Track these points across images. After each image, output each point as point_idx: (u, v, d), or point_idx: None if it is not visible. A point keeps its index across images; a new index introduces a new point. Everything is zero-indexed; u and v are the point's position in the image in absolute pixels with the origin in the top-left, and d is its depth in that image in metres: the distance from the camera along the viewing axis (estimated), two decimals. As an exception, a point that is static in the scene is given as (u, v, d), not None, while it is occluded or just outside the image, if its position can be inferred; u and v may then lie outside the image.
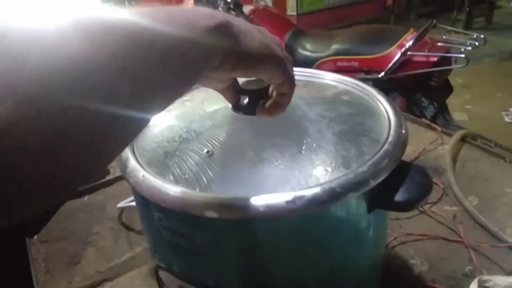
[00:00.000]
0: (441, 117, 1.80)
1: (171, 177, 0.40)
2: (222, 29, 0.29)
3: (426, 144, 0.87)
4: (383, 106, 0.48)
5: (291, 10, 4.06)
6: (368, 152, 0.40)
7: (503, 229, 0.64)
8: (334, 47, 1.84)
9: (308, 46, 1.96)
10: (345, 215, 0.39)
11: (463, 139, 0.87)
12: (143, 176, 0.39)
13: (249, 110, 0.47)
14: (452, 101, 1.93)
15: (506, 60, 3.61)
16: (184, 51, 0.26)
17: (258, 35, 0.33)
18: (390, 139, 0.41)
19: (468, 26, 4.05)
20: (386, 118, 0.46)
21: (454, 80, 1.88)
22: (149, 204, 0.39)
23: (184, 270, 0.43)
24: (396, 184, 0.40)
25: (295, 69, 0.61)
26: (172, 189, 0.37)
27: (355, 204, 0.39)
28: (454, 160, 0.81)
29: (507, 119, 2.68)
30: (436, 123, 0.96)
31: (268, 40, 0.34)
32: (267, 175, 0.38)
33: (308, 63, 1.86)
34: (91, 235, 0.71)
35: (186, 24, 0.26)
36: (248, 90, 0.47)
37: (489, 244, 0.61)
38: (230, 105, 0.49)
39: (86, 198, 0.79)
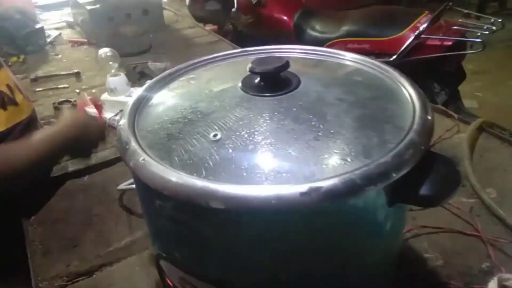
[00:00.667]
0: (453, 104, 1.75)
1: (174, 161, 0.36)
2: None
3: (442, 131, 0.83)
4: (407, 89, 0.44)
5: (300, -11, 3.94)
6: (391, 140, 0.36)
7: (523, 224, 0.60)
8: (345, 28, 1.78)
9: (318, 26, 1.90)
10: (364, 209, 0.36)
11: (480, 128, 0.83)
12: (144, 160, 0.36)
13: (260, 91, 0.43)
14: (462, 88, 1.86)
15: (518, 47, 3.51)
16: None
17: None
18: (415, 126, 0.38)
19: (481, 10, 3.92)
20: (410, 103, 0.42)
21: (465, 66, 1.81)
22: (149, 190, 0.36)
23: (187, 261, 0.40)
24: (421, 176, 0.36)
25: (309, 48, 0.57)
26: (175, 176, 0.34)
27: (375, 197, 0.36)
28: (472, 149, 0.77)
29: (518, 107, 2.62)
30: None
31: None
32: (280, 163, 0.35)
33: (317, 44, 1.79)
34: (90, 218, 0.68)
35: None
36: (259, 70, 0.43)
37: (509, 240, 0.57)
38: (239, 85, 0.45)
39: (86, 178, 0.76)
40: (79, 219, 0.68)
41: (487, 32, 1.49)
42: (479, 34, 1.50)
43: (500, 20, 1.55)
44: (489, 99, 2.72)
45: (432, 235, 0.61)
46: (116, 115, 0.97)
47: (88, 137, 0.71)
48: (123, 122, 0.42)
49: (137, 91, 0.50)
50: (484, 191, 0.66)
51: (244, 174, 0.34)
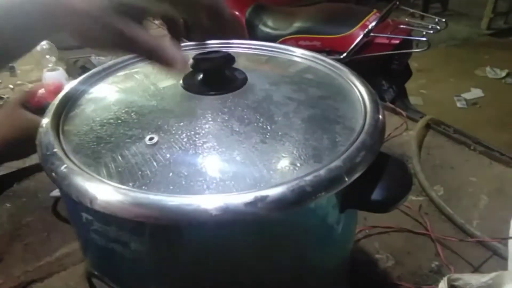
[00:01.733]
0: (400, 101, 1.80)
1: (103, 169, 0.32)
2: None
3: (390, 129, 0.83)
4: (357, 88, 0.42)
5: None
6: (342, 142, 0.34)
7: (469, 221, 0.61)
8: (296, 25, 1.77)
9: (270, 23, 1.88)
10: (314, 217, 0.33)
11: (427, 125, 0.85)
12: (67, 168, 0.32)
13: (203, 89, 0.40)
14: (407, 85, 1.93)
15: (459, 46, 3.70)
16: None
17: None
18: (366, 127, 0.36)
19: (425, 10, 4.10)
20: (361, 102, 0.40)
21: (410, 64, 1.87)
22: (75, 203, 0.31)
23: (121, 280, 0.36)
24: (372, 180, 0.35)
25: (259, 43, 0.55)
26: (103, 186, 0.29)
27: (326, 204, 0.33)
28: (419, 147, 0.78)
29: (458, 104, 2.76)
30: None
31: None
32: (223, 169, 0.31)
33: (269, 41, 1.77)
34: (19, 228, 0.62)
35: None
36: (201, 67, 0.40)
37: (457, 239, 0.58)
38: (180, 82, 0.41)
39: (14, 184, 0.69)
40: (5, 230, 0.61)
41: (431, 32, 1.54)
42: (424, 33, 1.55)
43: (444, 20, 1.61)
44: (432, 96, 2.84)
45: (383, 235, 0.60)
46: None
47: (28, 137, 0.55)
48: (46, 122, 0.37)
49: (67, 86, 0.44)
50: (432, 189, 0.67)
51: (183, 182, 0.30)
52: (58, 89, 0.61)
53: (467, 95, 2.82)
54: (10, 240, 0.60)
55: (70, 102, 0.42)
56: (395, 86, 1.77)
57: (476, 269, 0.54)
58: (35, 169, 0.73)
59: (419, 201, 0.66)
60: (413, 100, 2.54)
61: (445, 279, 0.48)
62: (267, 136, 0.34)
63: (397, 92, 1.79)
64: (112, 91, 0.45)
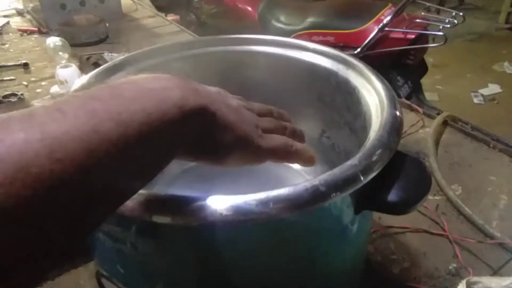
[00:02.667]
0: (415, 97, 1.76)
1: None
2: (194, 117, 0.25)
3: (406, 126, 0.81)
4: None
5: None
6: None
7: (489, 221, 0.59)
8: (310, 20, 1.75)
9: (283, 18, 1.86)
10: (328, 218, 0.32)
11: (444, 122, 0.82)
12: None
13: None
14: (423, 81, 1.89)
15: (476, 41, 3.62)
16: (151, 141, 0.23)
17: (236, 126, 0.29)
18: (383, 124, 0.34)
19: (441, 4, 4.03)
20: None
21: (426, 59, 1.83)
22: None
23: (129, 282, 0.35)
24: (389, 180, 0.33)
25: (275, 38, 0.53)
26: (110, 185, 0.29)
27: (340, 205, 0.32)
28: (436, 144, 0.76)
29: (475, 100, 2.70)
30: None
31: (247, 127, 0.30)
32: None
33: (282, 36, 1.76)
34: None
35: (156, 110, 0.23)
36: None
37: (476, 240, 0.56)
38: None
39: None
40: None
41: (448, 26, 1.50)
42: (440, 27, 1.51)
43: (461, 14, 1.57)
44: (448, 92, 2.78)
45: (398, 235, 0.59)
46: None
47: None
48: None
49: (79, 81, 0.44)
50: (450, 188, 0.65)
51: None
52: None
53: (484, 91, 2.76)
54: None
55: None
56: (410, 82, 1.74)
57: (495, 272, 0.52)
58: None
59: (436, 200, 0.64)
60: (428, 96, 2.50)
61: (464, 282, 0.47)
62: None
63: (413, 88, 1.75)
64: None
